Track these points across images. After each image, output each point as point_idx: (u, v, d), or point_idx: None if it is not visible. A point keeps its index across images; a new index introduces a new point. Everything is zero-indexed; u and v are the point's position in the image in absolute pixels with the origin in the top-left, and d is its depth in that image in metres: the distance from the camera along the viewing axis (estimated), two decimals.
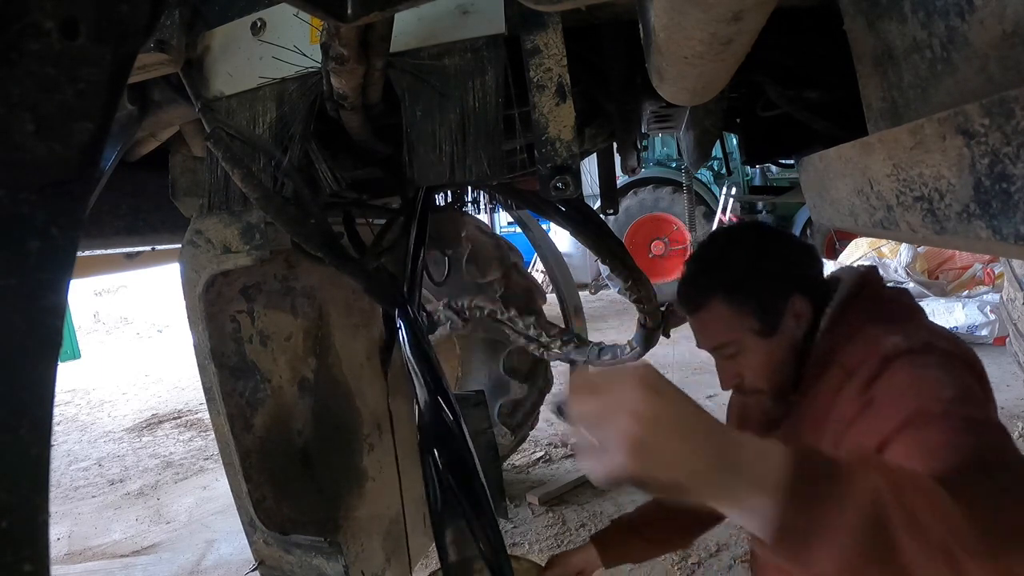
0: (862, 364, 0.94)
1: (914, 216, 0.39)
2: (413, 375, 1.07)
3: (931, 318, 1.09)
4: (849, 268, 1.16)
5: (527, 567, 1.35)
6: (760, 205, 8.78)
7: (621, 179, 7.14)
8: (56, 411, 0.40)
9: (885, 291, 1.10)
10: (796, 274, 1.10)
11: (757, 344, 1.08)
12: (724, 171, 8.55)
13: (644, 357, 1.95)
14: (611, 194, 2.26)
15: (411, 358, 1.07)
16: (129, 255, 2.65)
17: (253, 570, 1.29)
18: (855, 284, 1.09)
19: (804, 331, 1.08)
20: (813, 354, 1.07)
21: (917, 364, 0.87)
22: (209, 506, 3.60)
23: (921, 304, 1.12)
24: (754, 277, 1.07)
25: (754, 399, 1.18)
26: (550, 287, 3.16)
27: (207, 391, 1.23)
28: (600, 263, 2.46)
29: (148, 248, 2.39)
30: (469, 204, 2.40)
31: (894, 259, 6.23)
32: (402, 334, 1.07)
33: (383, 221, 1.31)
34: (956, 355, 0.90)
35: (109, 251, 2.45)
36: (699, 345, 1.14)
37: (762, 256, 1.09)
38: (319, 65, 0.91)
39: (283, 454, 1.35)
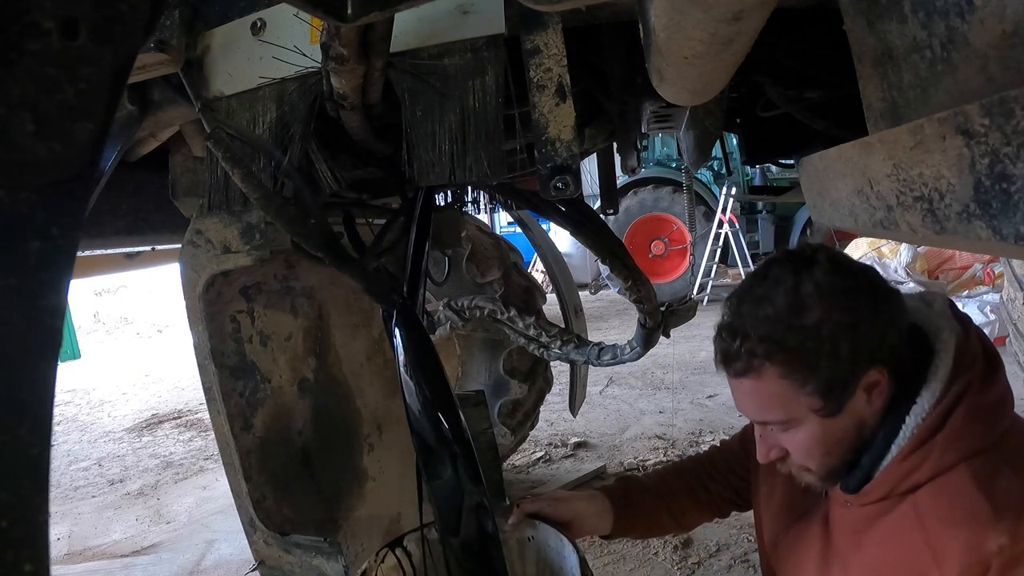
0: (955, 560, 0.76)
1: (914, 216, 0.39)
2: (404, 380, 1.04)
3: None
4: (939, 314, 0.90)
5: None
6: (760, 205, 8.79)
7: (621, 179, 7.15)
8: (56, 411, 0.40)
9: (985, 380, 0.85)
10: (878, 343, 0.83)
11: (813, 423, 0.86)
12: (724, 171, 8.56)
13: (644, 357, 1.94)
14: (611, 194, 2.27)
15: (404, 362, 1.05)
16: (129, 255, 2.66)
17: (253, 570, 1.29)
18: (955, 371, 0.83)
19: (876, 408, 0.87)
20: (891, 471, 0.85)
21: None
22: (209, 506, 3.60)
23: None
24: (823, 346, 0.81)
25: (793, 469, 0.96)
26: (550, 287, 3.16)
27: (207, 391, 1.23)
28: (600, 263, 2.46)
29: (148, 248, 2.40)
30: (469, 204, 2.40)
31: (894, 259, 6.23)
32: (397, 339, 1.05)
33: (383, 221, 1.31)
34: None
35: (109, 251, 2.45)
36: (739, 409, 0.92)
37: (838, 314, 0.82)
38: (319, 65, 0.91)
39: (283, 454, 1.35)
